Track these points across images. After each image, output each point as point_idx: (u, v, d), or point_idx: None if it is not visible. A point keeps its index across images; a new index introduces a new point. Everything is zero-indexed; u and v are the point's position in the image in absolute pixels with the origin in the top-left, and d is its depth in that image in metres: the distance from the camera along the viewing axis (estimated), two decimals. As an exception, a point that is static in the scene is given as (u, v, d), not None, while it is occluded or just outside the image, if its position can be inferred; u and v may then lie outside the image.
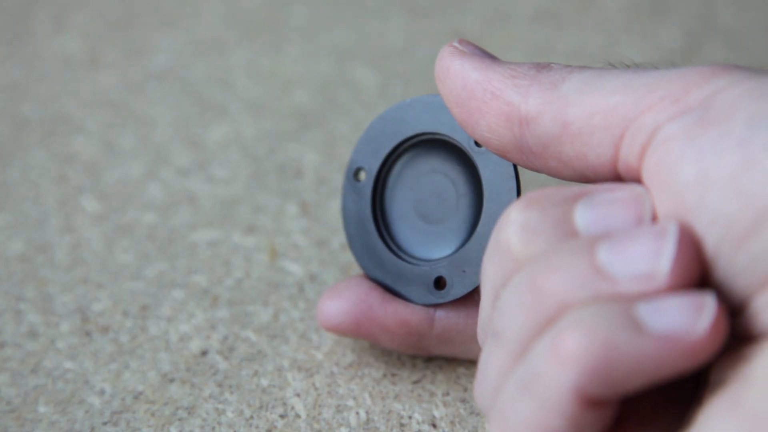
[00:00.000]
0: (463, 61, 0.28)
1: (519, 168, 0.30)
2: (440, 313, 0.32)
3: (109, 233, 0.40)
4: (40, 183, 0.43)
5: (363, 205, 0.33)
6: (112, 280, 0.37)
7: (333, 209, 0.40)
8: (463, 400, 0.32)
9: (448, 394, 0.32)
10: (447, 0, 0.56)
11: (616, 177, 0.26)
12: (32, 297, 0.37)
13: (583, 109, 0.25)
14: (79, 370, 0.33)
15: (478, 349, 0.32)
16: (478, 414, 0.31)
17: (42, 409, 0.32)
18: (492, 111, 0.27)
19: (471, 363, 0.33)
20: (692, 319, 0.22)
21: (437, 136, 0.32)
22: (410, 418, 0.31)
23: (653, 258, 0.22)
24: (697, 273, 0.23)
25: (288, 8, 0.56)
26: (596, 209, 0.24)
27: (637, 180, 0.25)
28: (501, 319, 0.24)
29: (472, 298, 0.31)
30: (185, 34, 0.53)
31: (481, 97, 0.27)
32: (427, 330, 0.32)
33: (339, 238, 0.39)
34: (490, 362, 0.25)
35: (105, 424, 0.31)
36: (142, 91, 0.49)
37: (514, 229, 0.24)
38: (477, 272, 0.31)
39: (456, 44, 0.29)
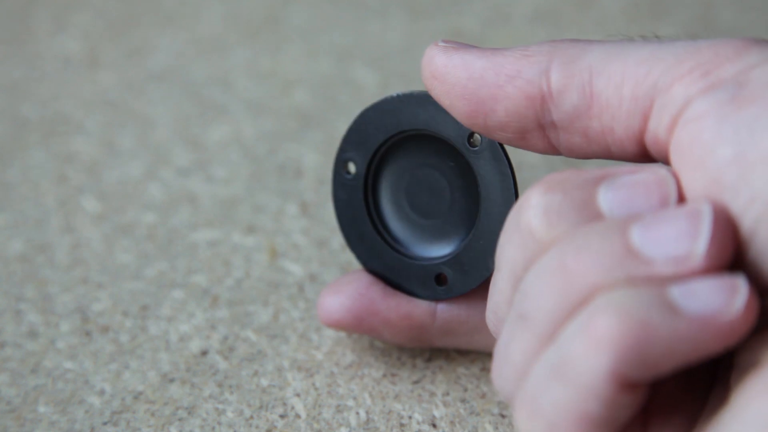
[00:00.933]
0: (462, 54, 0.27)
1: (515, 167, 0.30)
2: (442, 306, 0.32)
3: (109, 233, 0.40)
4: (40, 183, 0.43)
5: (355, 197, 0.33)
6: (112, 280, 0.37)
7: (333, 209, 0.40)
8: (463, 400, 0.32)
9: (448, 394, 0.32)
10: (447, 0, 0.56)
11: (642, 151, 0.26)
12: (32, 297, 0.37)
13: (610, 79, 0.25)
14: (79, 370, 0.33)
15: (480, 340, 0.32)
16: (478, 414, 0.31)
17: (42, 409, 0.32)
18: (509, 94, 0.27)
19: (470, 363, 0.33)
20: (726, 300, 0.22)
21: (427, 132, 0.31)
22: (410, 418, 0.31)
23: (688, 240, 0.22)
24: (731, 254, 0.23)
25: (288, 8, 0.56)
26: (620, 191, 0.24)
27: (664, 153, 0.25)
28: (527, 301, 0.24)
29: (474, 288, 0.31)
30: (185, 34, 0.53)
31: (494, 83, 0.27)
32: (430, 322, 0.32)
33: (339, 238, 0.39)
34: (514, 345, 0.24)
35: (105, 424, 0.31)
36: (142, 91, 0.49)
37: (535, 212, 0.24)
38: (479, 269, 0.31)
39: (441, 43, 0.28)
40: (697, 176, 0.23)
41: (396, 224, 0.33)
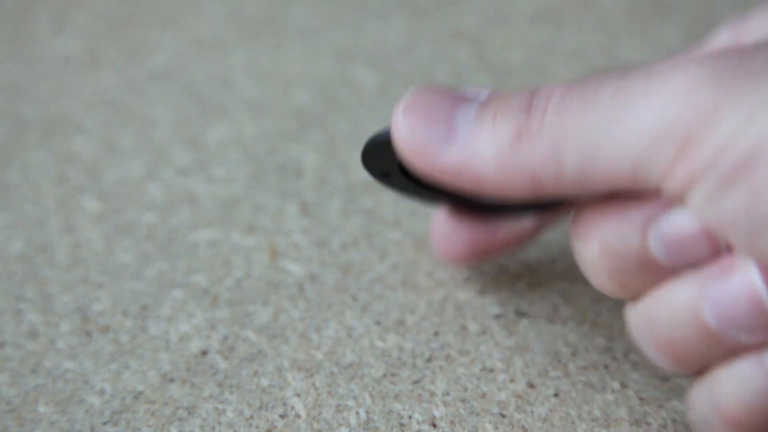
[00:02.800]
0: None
1: None
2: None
3: (109, 233, 0.40)
4: (40, 183, 0.43)
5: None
6: (112, 280, 0.37)
7: (333, 209, 0.40)
8: (463, 400, 0.32)
9: (448, 394, 0.32)
10: (447, 0, 0.56)
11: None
12: (32, 297, 0.37)
13: (593, 187, 0.25)
14: (79, 370, 0.33)
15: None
16: (478, 414, 0.31)
17: (42, 409, 0.32)
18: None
19: (470, 363, 0.33)
20: None
21: None
22: (410, 418, 0.31)
23: (757, 313, 0.24)
24: None
25: (288, 8, 0.56)
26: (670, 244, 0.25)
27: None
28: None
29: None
30: (185, 34, 0.53)
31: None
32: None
33: (339, 238, 0.39)
34: None
35: (105, 424, 0.31)
36: (142, 91, 0.49)
37: (597, 276, 0.27)
38: None
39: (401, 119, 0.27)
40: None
41: None
